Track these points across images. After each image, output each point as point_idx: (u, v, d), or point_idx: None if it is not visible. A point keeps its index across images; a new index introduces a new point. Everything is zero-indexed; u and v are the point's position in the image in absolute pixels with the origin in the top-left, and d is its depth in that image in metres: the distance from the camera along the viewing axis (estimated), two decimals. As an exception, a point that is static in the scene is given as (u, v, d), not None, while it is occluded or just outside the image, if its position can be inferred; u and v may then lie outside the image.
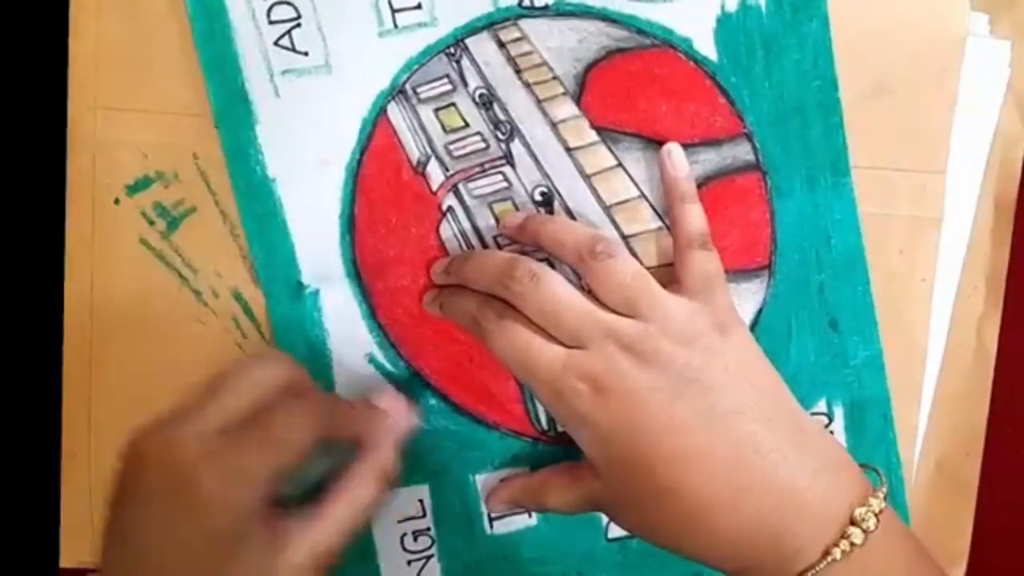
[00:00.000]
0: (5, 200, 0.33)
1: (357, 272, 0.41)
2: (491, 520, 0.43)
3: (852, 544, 0.33)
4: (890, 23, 0.41)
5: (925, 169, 0.42)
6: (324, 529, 0.34)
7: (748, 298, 0.42)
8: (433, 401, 0.42)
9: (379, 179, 0.41)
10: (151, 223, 0.41)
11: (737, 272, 0.42)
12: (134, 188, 0.41)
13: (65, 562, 0.43)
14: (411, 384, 0.42)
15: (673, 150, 0.40)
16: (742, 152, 0.41)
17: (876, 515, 0.34)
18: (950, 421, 0.44)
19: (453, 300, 0.40)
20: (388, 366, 0.42)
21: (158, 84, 0.41)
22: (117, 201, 0.41)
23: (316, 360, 0.41)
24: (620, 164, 0.41)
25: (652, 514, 0.36)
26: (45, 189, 0.39)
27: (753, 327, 0.42)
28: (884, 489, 0.35)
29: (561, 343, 0.37)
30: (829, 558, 0.33)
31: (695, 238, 0.39)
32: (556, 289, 0.37)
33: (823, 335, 0.42)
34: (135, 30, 0.40)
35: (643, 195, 0.41)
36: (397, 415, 0.39)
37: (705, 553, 0.35)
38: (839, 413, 0.42)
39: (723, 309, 0.38)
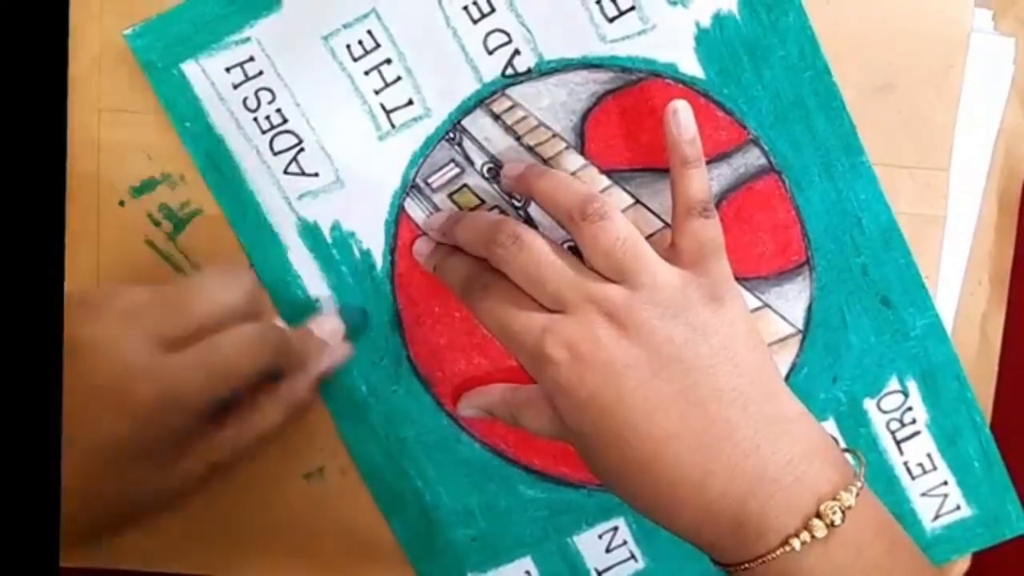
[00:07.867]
0: (6, 202, 0.33)
1: (415, 370, 0.42)
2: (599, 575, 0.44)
3: (813, 536, 0.32)
4: (894, 19, 0.41)
5: (929, 166, 0.42)
6: (221, 448, 0.35)
7: (795, 297, 0.42)
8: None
9: (413, 275, 0.42)
10: (157, 225, 0.41)
11: (778, 275, 0.42)
12: (139, 190, 0.41)
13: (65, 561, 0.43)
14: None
15: (680, 109, 0.38)
16: (753, 158, 0.41)
17: (843, 510, 0.33)
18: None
19: (447, 263, 0.40)
20: (463, 448, 0.43)
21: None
22: (122, 203, 0.41)
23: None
24: (638, 201, 0.41)
25: (622, 482, 0.35)
26: (47, 192, 0.40)
27: (807, 324, 0.42)
28: (859, 482, 0.34)
29: (547, 309, 0.36)
30: (787, 547, 0.32)
31: (694, 204, 0.37)
32: (538, 251, 0.36)
33: (878, 314, 0.42)
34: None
35: (667, 224, 0.41)
36: (332, 344, 0.40)
37: (670, 524, 0.35)
38: (912, 387, 0.42)
39: (719, 280, 0.36)
